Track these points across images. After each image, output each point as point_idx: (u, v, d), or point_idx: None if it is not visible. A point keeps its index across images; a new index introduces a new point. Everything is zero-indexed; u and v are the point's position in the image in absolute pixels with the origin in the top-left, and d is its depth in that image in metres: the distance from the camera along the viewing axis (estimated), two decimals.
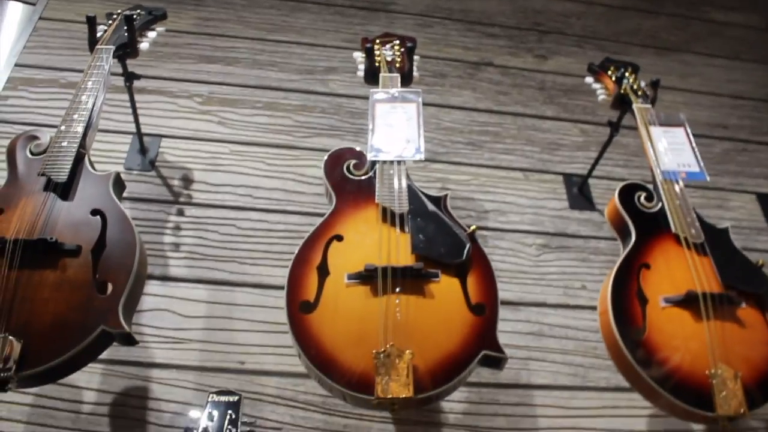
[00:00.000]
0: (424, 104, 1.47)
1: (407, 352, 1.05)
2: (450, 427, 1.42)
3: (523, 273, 1.71)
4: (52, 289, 1.07)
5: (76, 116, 1.27)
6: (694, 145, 1.47)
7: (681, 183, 1.39)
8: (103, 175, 1.24)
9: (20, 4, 2.16)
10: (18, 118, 1.79)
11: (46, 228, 1.13)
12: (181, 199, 1.67)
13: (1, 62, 1.90)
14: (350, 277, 1.16)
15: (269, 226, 1.67)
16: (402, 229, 1.23)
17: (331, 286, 1.16)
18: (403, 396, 1.03)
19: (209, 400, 1.19)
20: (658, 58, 1.83)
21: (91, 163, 1.26)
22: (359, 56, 1.59)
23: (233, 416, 1.07)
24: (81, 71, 1.92)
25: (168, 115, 1.84)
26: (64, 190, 1.19)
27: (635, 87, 1.59)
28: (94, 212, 1.17)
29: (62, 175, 1.19)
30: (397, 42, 1.59)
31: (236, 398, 1.20)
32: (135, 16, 1.48)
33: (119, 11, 1.51)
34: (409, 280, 1.15)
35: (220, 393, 1.24)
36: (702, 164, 1.43)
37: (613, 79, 1.62)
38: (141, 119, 1.67)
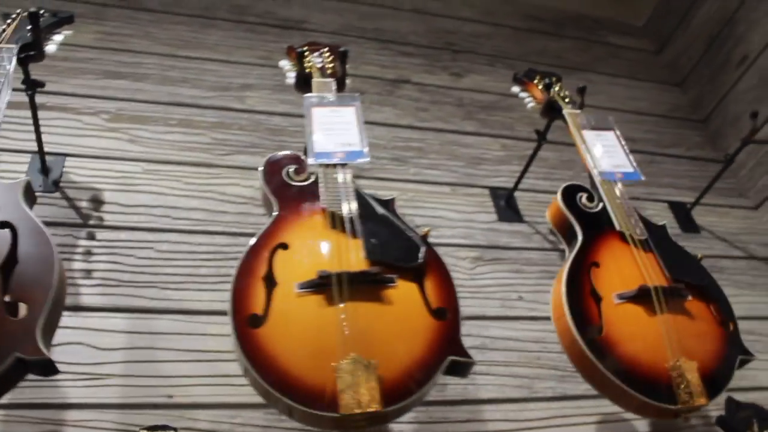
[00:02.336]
0: None
1: (372, 362, 0.97)
2: None
3: (460, 286, 1.64)
4: None
5: None
6: (625, 146, 1.49)
7: (619, 184, 1.41)
8: (11, 183, 1.08)
9: None
10: None
11: None
12: (91, 222, 1.50)
13: None
14: (301, 286, 1.06)
15: (191, 248, 1.53)
16: (353, 234, 1.15)
17: (280, 296, 1.06)
18: (371, 410, 0.94)
19: None
20: (565, 78, 1.89)
21: None
22: (286, 64, 1.52)
23: None
24: None
25: (72, 132, 1.67)
26: None
27: (563, 94, 1.61)
28: (2, 224, 1.02)
29: None
30: (326, 50, 1.53)
31: None
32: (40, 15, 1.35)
33: (19, 10, 1.36)
34: (365, 286, 1.07)
35: (153, 429, 1.11)
36: (635, 165, 1.46)
37: (541, 87, 1.63)
38: (43, 137, 1.50)
